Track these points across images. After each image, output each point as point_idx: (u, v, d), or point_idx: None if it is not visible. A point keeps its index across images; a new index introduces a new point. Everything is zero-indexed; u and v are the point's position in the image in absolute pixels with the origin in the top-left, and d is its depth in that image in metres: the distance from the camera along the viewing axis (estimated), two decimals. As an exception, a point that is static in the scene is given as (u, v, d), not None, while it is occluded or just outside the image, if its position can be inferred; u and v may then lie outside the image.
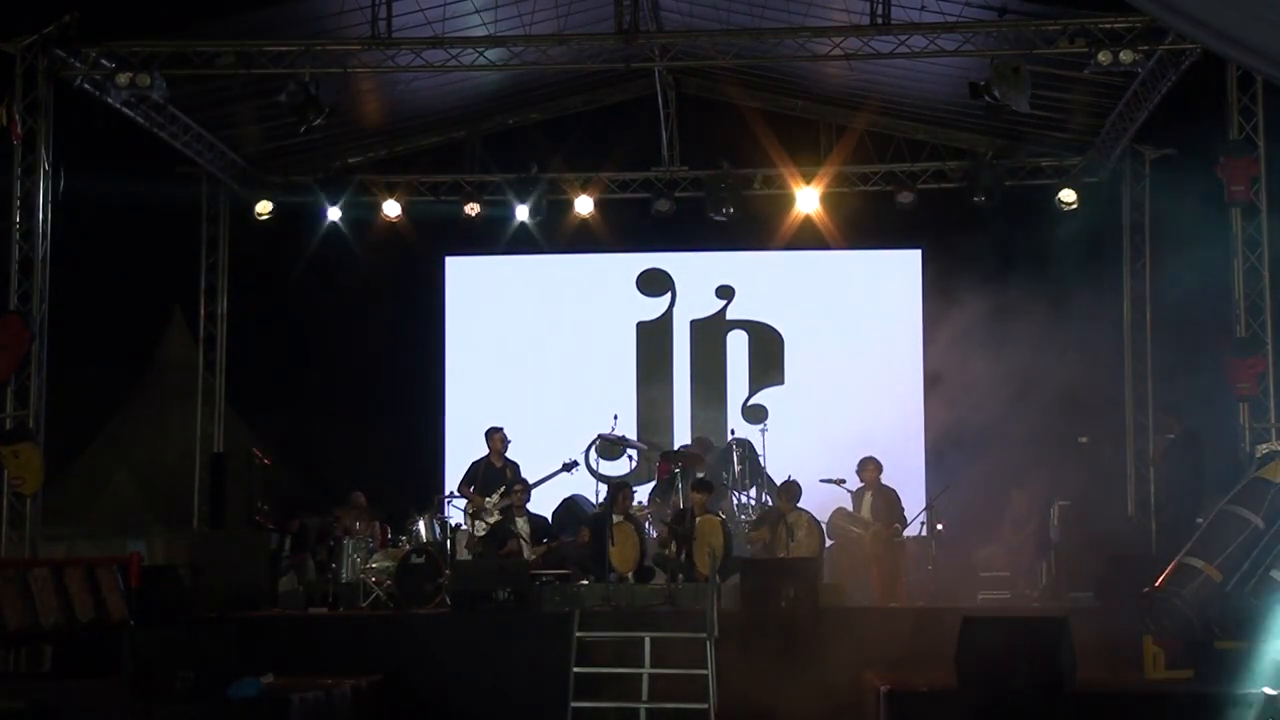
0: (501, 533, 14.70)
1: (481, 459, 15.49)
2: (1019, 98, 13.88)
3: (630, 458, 17.20)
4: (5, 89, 13.77)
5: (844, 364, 18.01)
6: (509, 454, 15.55)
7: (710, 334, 18.63)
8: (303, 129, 14.99)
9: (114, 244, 16.23)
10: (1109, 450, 16.71)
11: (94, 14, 14.06)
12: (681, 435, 18.06)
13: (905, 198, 17.54)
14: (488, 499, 14.94)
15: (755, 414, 18.16)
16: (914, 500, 15.41)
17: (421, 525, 14.72)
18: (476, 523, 14.89)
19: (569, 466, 15.38)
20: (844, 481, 15.32)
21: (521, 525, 14.83)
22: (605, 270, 18.86)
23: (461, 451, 16.26)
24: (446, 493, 16.07)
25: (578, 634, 12.25)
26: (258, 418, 18.18)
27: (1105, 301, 17.31)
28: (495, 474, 15.27)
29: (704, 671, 11.98)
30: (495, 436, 15.49)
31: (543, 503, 15.99)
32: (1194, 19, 5.25)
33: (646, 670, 12.15)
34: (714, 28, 15.48)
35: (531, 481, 15.21)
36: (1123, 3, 11.25)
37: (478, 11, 15.17)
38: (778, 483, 15.20)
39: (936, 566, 14.13)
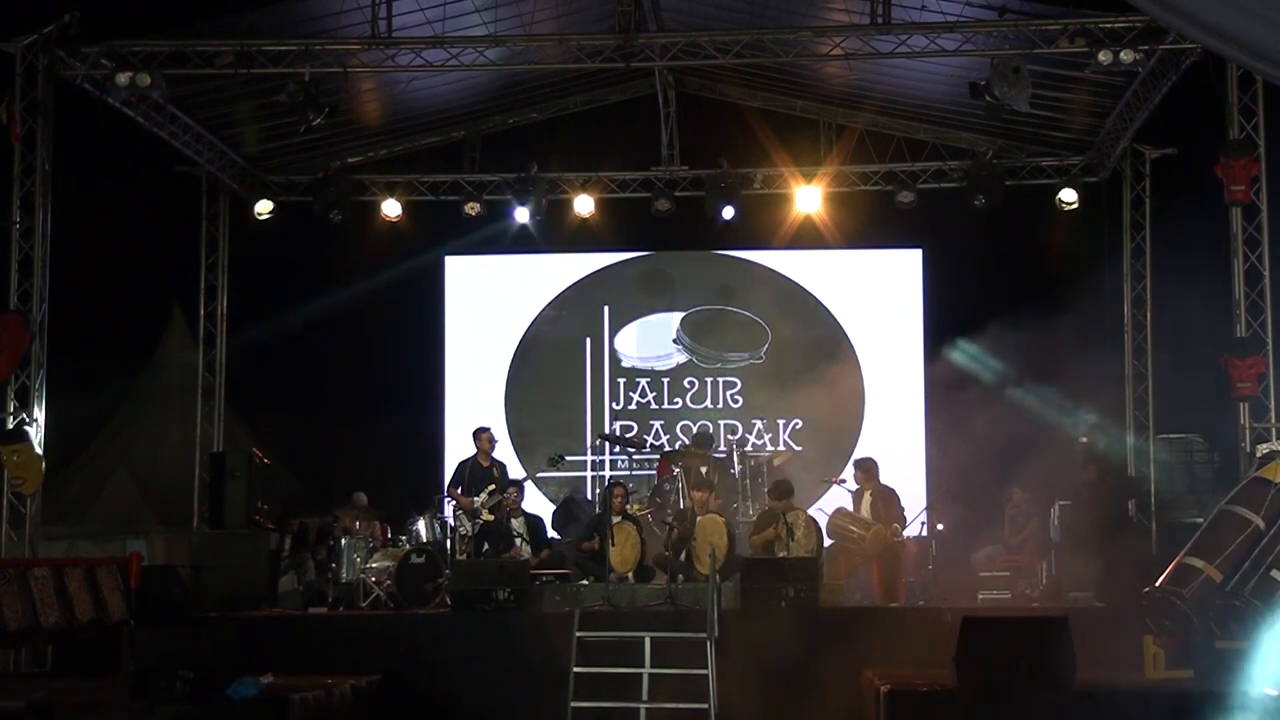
0: (496, 533, 14.70)
1: (468, 459, 15.50)
2: (1019, 98, 13.89)
3: (630, 457, 17.19)
4: (5, 89, 13.77)
5: (844, 364, 18.05)
6: (496, 454, 15.57)
7: (710, 334, 18.62)
8: (303, 129, 15.01)
9: (114, 244, 16.23)
10: (1109, 451, 16.70)
11: (94, 14, 14.07)
12: (681, 435, 18.07)
13: (905, 198, 17.53)
14: (475, 499, 14.95)
15: (755, 414, 18.16)
16: (914, 500, 15.41)
17: (421, 525, 14.71)
18: (468, 523, 14.87)
19: (553, 461, 15.39)
20: (844, 481, 15.32)
21: (517, 526, 14.82)
22: (605, 270, 18.85)
23: (462, 452, 16.25)
24: (445, 493, 16.07)
25: (578, 634, 12.23)
26: (258, 418, 18.19)
27: (1105, 301, 17.31)
28: (483, 474, 15.27)
29: (704, 671, 11.97)
30: (482, 436, 15.51)
31: (543, 503, 16.01)
32: (1194, 19, 5.25)
33: (646, 670, 12.13)
34: (714, 27, 15.48)
35: (513, 479, 15.25)
36: (1123, 3, 11.26)
37: (478, 11, 15.17)
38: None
39: (936, 566, 14.12)
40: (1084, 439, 15.87)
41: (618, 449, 16.89)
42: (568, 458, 16.66)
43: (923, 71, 16.37)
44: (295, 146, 17.43)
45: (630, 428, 17.83)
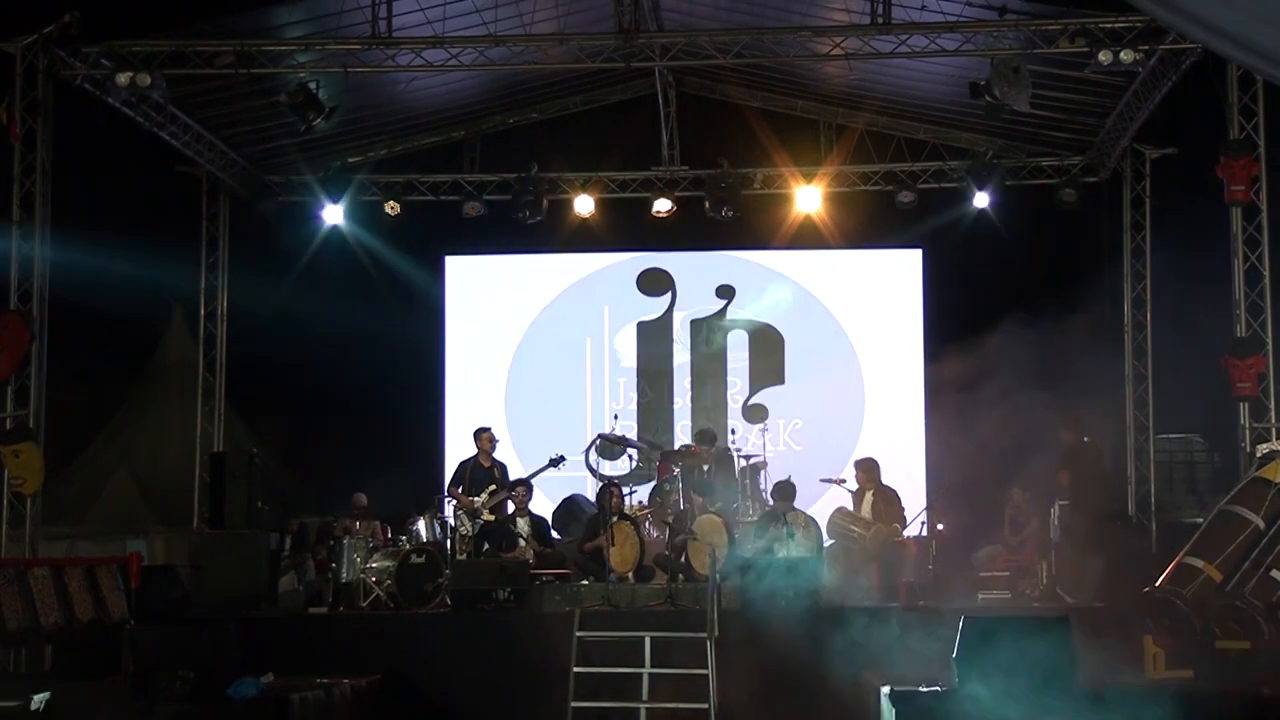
0: (497, 533, 14.70)
1: (469, 459, 15.49)
2: (1019, 97, 13.89)
3: (631, 457, 17.18)
4: (5, 89, 13.77)
5: (844, 364, 18.06)
6: (497, 454, 15.56)
7: (710, 334, 18.64)
8: (303, 129, 15.00)
9: (114, 244, 16.22)
10: (1109, 450, 16.70)
11: (94, 14, 14.06)
12: (682, 435, 18.06)
13: (905, 198, 17.55)
14: (476, 499, 14.95)
15: (755, 414, 18.17)
16: (914, 500, 15.41)
17: (421, 525, 14.70)
18: (468, 523, 14.87)
19: (555, 462, 15.36)
20: (844, 481, 15.32)
21: (523, 525, 14.83)
22: (605, 270, 18.87)
23: (461, 452, 16.26)
24: (446, 492, 16.06)
25: (578, 634, 12.25)
26: (258, 418, 18.18)
27: (1105, 301, 17.32)
28: (483, 474, 15.26)
29: (704, 671, 11.98)
30: (483, 436, 15.50)
31: (543, 503, 15.98)
32: (1194, 19, 5.24)
33: (646, 670, 12.15)
34: (714, 27, 15.49)
35: (517, 478, 15.22)
36: (1123, 2, 11.26)
37: (478, 11, 15.17)
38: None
39: (936, 566, 14.12)
40: (1084, 439, 15.87)
41: (617, 449, 16.88)
42: (568, 458, 16.62)
43: (923, 71, 16.37)
44: (295, 146, 17.42)
45: (629, 428, 17.81)
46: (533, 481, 15.35)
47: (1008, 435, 15.44)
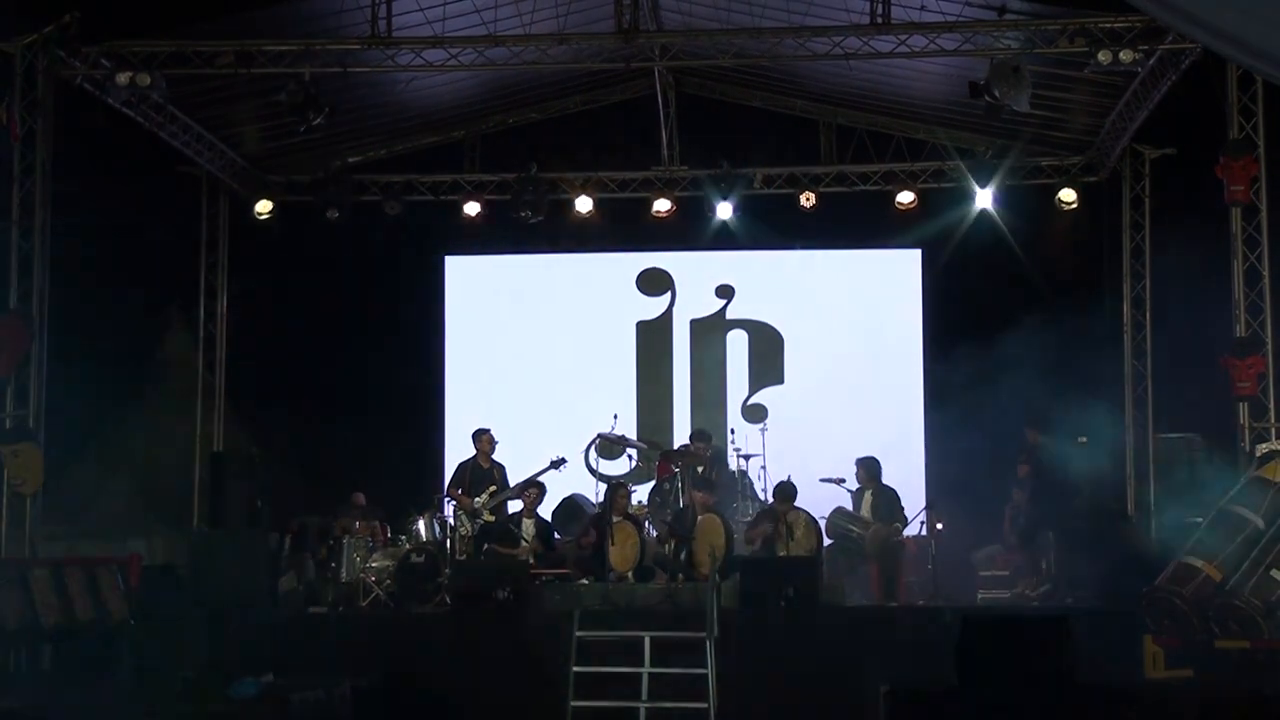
0: (497, 533, 14.70)
1: (469, 460, 15.51)
2: (1019, 98, 13.89)
3: (630, 457, 17.18)
4: (5, 89, 13.77)
5: (843, 364, 18.05)
6: (497, 455, 15.57)
7: (710, 334, 18.64)
8: (303, 129, 15.00)
9: (114, 243, 16.22)
10: (1109, 450, 16.71)
11: (94, 14, 14.05)
12: (681, 435, 18.04)
13: (905, 198, 17.55)
14: (476, 499, 14.95)
15: (755, 414, 18.16)
16: (914, 500, 15.41)
17: (421, 525, 14.71)
18: (468, 523, 14.87)
19: (557, 464, 15.36)
20: (844, 481, 15.31)
21: (528, 527, 14.82)
22: (605, 270, 18.87)
23: (462, 452, 16.26)
24: (445, 494, 16.07)
25: (578, 634, 12.25)
26: (258, 418, 18.18)
27: (1105, 301, 17.32)
28: (483, 475, 15.27)
29: (704, 671, 11.98)
30: (483, 438, 15.51)
31: (543, 503, 15.98)
32: (1194, 19, 5.25)
33: (646, 670, 12.15)
34: (714, 27, 15.48)
35: (515, 481, 15.23)
36: (1123, 2, 11.26)
37: (478, 11, 15.17)
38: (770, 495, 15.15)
39: (936, 566, 14.13)
40: (1083, 440, 15.87)
41: (617, 449, 16.88)
42: (568, 459, 16.64)
43: (923, 71, 16.37)
44: (295, 146, 17.42)
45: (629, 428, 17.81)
46: (543, 482, 15.34)
47: (1007, 435, 15.47)
